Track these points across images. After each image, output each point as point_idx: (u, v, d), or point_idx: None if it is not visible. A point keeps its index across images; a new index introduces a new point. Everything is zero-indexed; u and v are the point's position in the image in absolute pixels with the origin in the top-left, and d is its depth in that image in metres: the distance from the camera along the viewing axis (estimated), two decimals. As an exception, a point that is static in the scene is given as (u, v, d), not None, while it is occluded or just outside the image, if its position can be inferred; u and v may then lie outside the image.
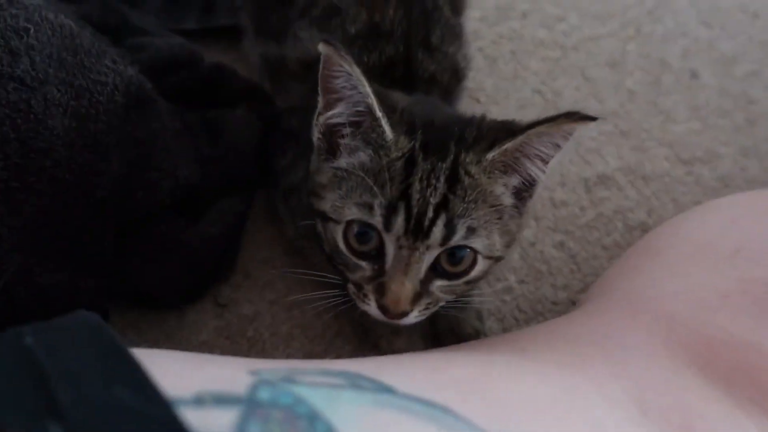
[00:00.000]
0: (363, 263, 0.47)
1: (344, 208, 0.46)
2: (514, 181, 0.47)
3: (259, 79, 0.66)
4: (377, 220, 0.44)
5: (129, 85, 0.47)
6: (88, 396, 0.22)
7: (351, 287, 0.48)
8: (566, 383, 0.37)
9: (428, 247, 0.44)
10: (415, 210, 0.44)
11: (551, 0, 0.87)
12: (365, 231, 0.45)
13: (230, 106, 0.59)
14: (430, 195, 0.44)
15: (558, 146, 0.45)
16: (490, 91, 0.78)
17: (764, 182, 0.79)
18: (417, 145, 0.45)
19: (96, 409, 0.21)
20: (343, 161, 0.47)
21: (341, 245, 0.47)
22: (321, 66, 0.44)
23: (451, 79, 0.61)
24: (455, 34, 0.62)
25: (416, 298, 0.46)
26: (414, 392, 0.28)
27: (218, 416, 0.23)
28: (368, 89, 0.44)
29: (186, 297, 0.54)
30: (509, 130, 0.46)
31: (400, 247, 0.45)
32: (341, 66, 0.43)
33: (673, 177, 0.77)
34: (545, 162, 0.46)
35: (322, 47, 0.43)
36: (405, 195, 0.44)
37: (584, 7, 0.88)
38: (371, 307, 0.47)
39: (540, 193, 0.72)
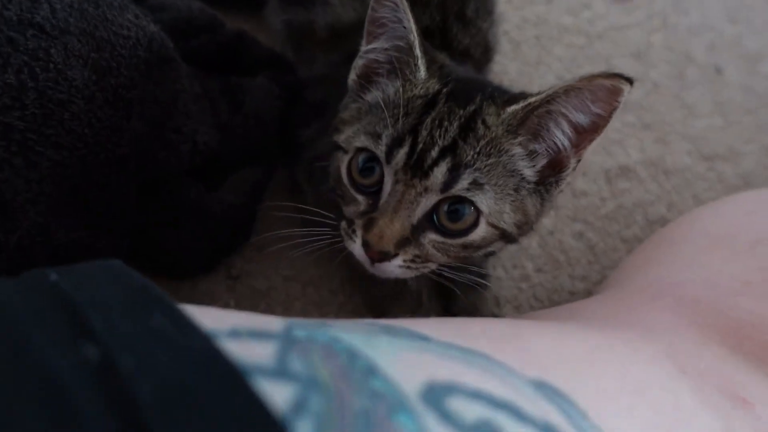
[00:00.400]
0: (360, 197, 0.45)
1: (355, 138, 0.45)
2: (540, 150, 0.44)
3: (282, 49, 0.64)
4: (381, 150, 0.43)
5: (151, 41, 0.46)
6: (122, 323, 0.21)
7: (343, 224, 0.46)
8: (600, 342, 0.35)
9: (426, 189, 0.42)
10: (419, 146, 0.42)
11: (578, -13, 0.85)
12: (370, 165, 0.44)
13: (251, 74, 0.57)
14: (440, 136, 0.42)
15: (591, 112, 0.42)
16: (513, 75, 0.77)
17: (786, 181, 0.78)
18: (444, 90, 0.44)
19: (130, 334, 0.20)
20: (370, 96, 0.46)
21: (344, 174, 0.46)
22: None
23: (482, 56, 0.59)
24: (488, 10, 0.61)
25: (403, 242, 0.43)
26: (449, 340, 0.27)
27: (256, 348, 0.22)
28: (412, 25, 0.43)
29: (201, 264, 0.53)
30: (539, 92, 0.43)
31: (396, 182, 0.43)
32: None
33: (694, 173, 0.76)
34: (576, 130, 0.43)
35: None
36: (414, 130, 0.43)
37: (610, -4, 0.86)
38: (356, 245, 0.44)
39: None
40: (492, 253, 0.48)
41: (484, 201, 0.43)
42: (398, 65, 0.45)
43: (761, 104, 0.83)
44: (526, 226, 0.46)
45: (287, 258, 0.57)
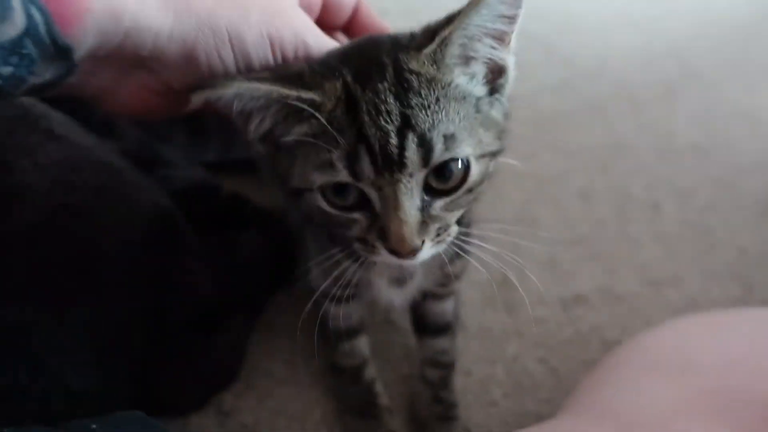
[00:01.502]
0: (356, 215, 0.43)
1: (310, 175, 0.42)
2: (478, 68, 0.44)
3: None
4: (343, 175, 0.40)
5: (163, 213, 0.55)
6: None
7: (357, 246, 0.45)
8: None
9: (411, 175, 0.40)
10: (376, 146, 0.39)
11: (525, 140, 0.99)
12: (342, 188, 0.42)
13: (244, 228, 0.67)
14: (386, 121, 0.39)
15: (508, 18, 0.41)
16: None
17: (727, 303, 0.86)
18: (349, 80, 0.41)
19: None
20: (288, 138, 0.43)
21: (326, 207, 0.43)
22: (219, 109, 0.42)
23: None
24: None
25: (422, 228, 0.42)
26: None
27: None
28: (265, 86, 0.40)
29: (193, 404, 0.58)
30: (447, 18, 0.42)
31: (380, 189, 0.41)
32: (224, 93, 0.40)
33: (642, 298, 0.84)
34: (502, 40, 0.43)
35: (195, 98, 0.41)
36: (361, 136, 0.40)
37: (555, 145, 1.00)
38: (384, 255, 0.43)
39: (522, 307, 0.79)
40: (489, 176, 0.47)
41: (462, 147, 0.41)
42: (291, 112, 0.42)
43: (697, 234, 0.93)
44: (502, 133, 0.46)
45: (271, 392, 0.63)
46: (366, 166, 0.40)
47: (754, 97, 1.17)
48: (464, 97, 0.42)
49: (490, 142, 0.44)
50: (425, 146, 0.40)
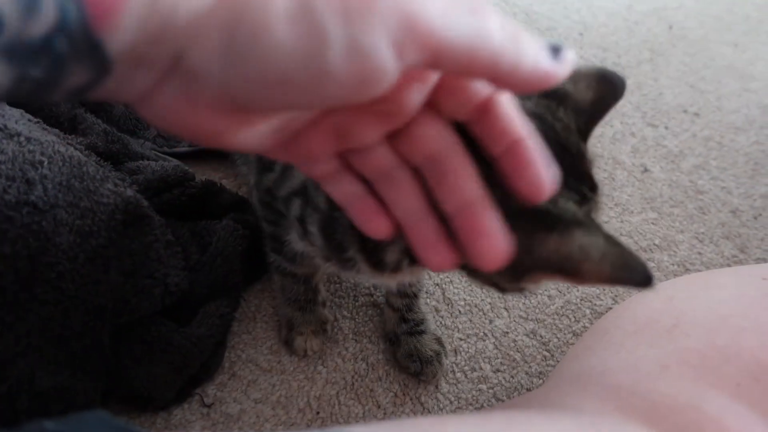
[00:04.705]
0: None
1: None
2: None
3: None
4: None
5: (127, 204, 0.54)
6: None
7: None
8: (518, 419, 0.40)
9: None
10: None
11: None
12: None
13: (218, 217, 0.66)
14: None
15: None
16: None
17: (722, 265, 0.84)
18: None
19: None
20: None
21: None
22: None
23: None
24: None
25: None
26: None
27: None
28: None
29: (175, 397, 0.57)
30: None
31: None
32: None
33: (634, 264, 0.82)
34: None
35: None
36: None
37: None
38: None
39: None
40: None
41: None
42: None
43: (687, 196, 0.92)
44: None
45: (255, 381, 0.62)
46: None
47: (743, 54, 1.14)
48: None
49: None
50: None
